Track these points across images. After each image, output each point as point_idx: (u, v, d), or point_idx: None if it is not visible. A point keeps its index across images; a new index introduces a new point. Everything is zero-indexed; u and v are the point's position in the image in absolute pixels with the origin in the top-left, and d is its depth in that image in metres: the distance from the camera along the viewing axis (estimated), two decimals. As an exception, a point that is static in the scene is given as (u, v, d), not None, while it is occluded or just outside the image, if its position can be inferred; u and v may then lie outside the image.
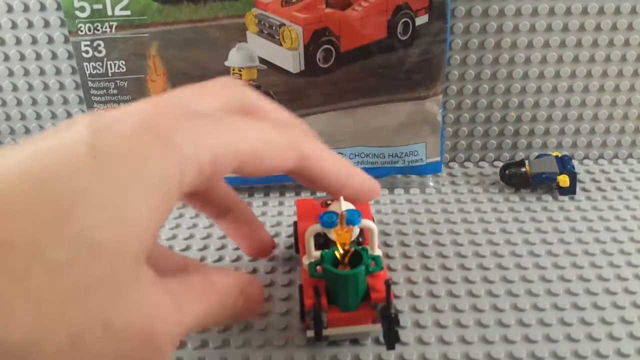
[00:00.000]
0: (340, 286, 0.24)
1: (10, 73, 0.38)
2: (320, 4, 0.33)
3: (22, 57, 0.38)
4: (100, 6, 0.33)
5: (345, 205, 0.25)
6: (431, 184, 0.38)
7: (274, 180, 0.37)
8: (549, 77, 0.39)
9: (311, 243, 0.26)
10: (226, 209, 0.27)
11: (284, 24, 0.33)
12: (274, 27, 0.34)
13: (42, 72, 0.38)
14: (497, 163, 0.41)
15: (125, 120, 0.17)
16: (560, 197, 0.36)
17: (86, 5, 0.33)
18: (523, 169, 0.37)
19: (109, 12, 0.33)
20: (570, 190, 0.36)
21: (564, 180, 0.36)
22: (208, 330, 0.27)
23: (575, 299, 0.29)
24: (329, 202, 0.30)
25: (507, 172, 0.37)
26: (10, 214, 0.15)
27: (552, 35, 0.37)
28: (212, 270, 0.24)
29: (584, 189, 0.37)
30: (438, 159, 0.37)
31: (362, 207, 0.27)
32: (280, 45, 0.34)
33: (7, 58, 0.38)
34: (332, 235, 0.25)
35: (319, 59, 0.34)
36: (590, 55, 0.38)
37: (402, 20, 0.34)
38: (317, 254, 0.25)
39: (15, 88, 0.39)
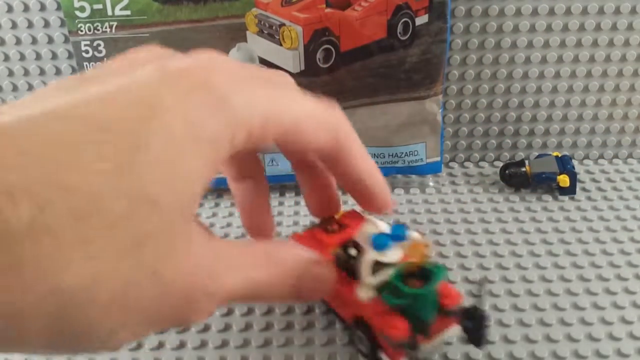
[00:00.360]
0: (424, 303, 0.22)
1: (10, 73, 0.38)
2: (320, 4, 0.33)
3: (22, 57, 0.38)
4: (100, 6, 0.33)
5: (380, 225, 0.23)
6: (431, 184, 0.38)
7: (273, 180, 0.37)
8: (549, 77, 0.39)
9: (369, 271, 0.23)
10: (248, 174, 0.26)
11: (284, 24, 0.33)
12: (274, 27, 0.34)
13: (42, 72, 0.38)
14: (497, 163, 0.41)
15: (186, 75, 0.18)
16: (560, 197, 0.36)
17: (86, 5, 0.33)
18: (523, 169, 0.37)
19: (109, 12, 0.33)
20: (570, 190, 0.36)
21: (564, 180, 0.36)
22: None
23: (575, 299, 0.29)
24: (330, 227, 0.26)
25: (507, 172, 0.37)
26: (73, 162, 0.15)
27: (552, 35, 0.37)
28: (278, 242, 0.23)
29: (584, 189, 0.37)
30: (438, 159, 0.37)
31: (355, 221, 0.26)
32: (280, 45, 0.34)
33: (7, 58, 0.38)
34: (383, 258, 0.22)
35: (319, 59, 0.34)
36: (590, 55, 0.38)
37: (402, 20, 0.34)
38: (373, 280, 0.23)
39: (15, 88, 0.39)
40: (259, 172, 0.26)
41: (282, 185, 0.38)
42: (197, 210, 0.33)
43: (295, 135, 0.20)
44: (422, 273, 0.22)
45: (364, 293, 0.23)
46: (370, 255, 0.22)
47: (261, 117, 0.19)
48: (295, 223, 0.35)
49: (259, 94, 0.19)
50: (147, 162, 0.16)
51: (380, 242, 0.22)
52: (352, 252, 0.24)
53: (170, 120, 0.16)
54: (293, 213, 0.36)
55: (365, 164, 0.23)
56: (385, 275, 0.23)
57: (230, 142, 0.18)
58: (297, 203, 0.37)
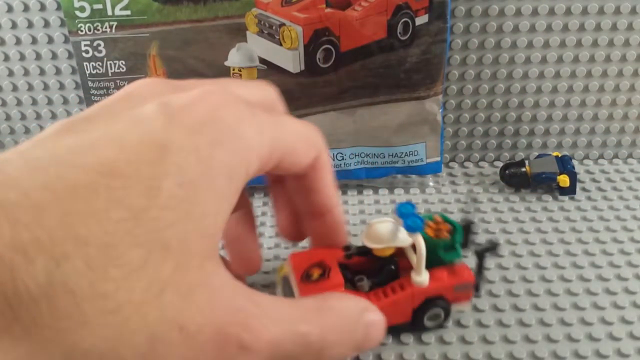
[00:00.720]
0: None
1: (10, 73, 0.38)
2: (320, 4, 0.33)
3: (22, 57, 0.38)
4: (100, 6, 0.33)
5: (394, 218, 0.25)
6: (431, 184, 0.38)
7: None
8: (549, 77, 0.39)
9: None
10: (238, 206, 0.26)
11: (284, 24, 0.33)
12: (274, 27, 0.34)
13: (42, 72, 0.38)
14: (497, 163, 0.41)
15: (192, 112, 0.17)
16: (560, 197, 0.36)
17: (86, 5, 0.33)
18: (523, 169, 0.37)
19: (109, 12, 0.33)
20: (570, 190, 0.36)
21: (564, 180, 0.36)
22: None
23: (575, 299, 0.29)
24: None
25: (507, 172, 0.37)
26: (87, 211, 0.14)
27: (552, 35, 0.37)
28: (327, 295, 0.22)
29: (584, 189, 0.37)
30: (438, 159, 0.37)
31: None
32: (280, 45, 0.34)
33: (7, 58, 0.38)
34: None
35: (319, 59, 0.34)
36: (590, 55, 0.38)
37: (402, 20, 0.34)
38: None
39: (15, 88, 0.39)
40: (247, 203, 0.26)
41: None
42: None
43: (291, 157, 0.20)
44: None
45: (423, 277, 0.25)
46: (422, 244, 0.24)
47: (269, 144, 0.19)
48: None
49: (262, 121, 0.19)
50: (161, 206, 0.15)
51: (412, 224, 0.24)
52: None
53: (183, 160, 0.16)
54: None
55: (333, 186, 0.23)
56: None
57: (246, 173, 0.18)
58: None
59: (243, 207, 0.25)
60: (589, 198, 0.36)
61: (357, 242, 0.29)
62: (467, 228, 0.27)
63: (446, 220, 0.27)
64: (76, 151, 0.15)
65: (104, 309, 0.14)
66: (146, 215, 0.15)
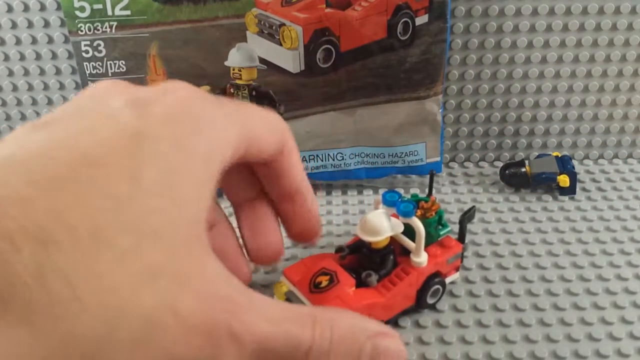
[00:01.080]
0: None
1: (10, 73, 0.38)
2: (320, 4, 0.33)
3: (22, 57, 0.38)
4: (100, 6, 0.33)
5: (381, 209, 0.26)
6: (431, 184, 0.38)
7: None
8: (549, 77, 0.39)
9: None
10: (213, 222, 0.25)
11: (284, 24, 0.33)
12: (274, 27, 0.34)
13: (42, 72, 0.38)
14: (497, 163, 0.41)
15: (162, 103, 0.17)
16: (560, 197, 0.36)
17: (86, 5, 0.33)
18: (523, 169, 0.37)
19: (109, 12, 0.33)
20: (570, 190, 0.36)
21: (564, 180, 0.36)
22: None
23: (575, 299, 0.29)
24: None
25: (507, 172, 0.37)
26: (72, 201, 0.14)
27: (552, 35, 0.37)
28: (328, 307, 0.21)
29: (584, 189, 0.37)
30: (438, 159, 0.37)
31: None
32: (280, 45, 0.34)
33: (7, 58, 0.38)
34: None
35: (319, 59, 0.34)
36: (590, 55, 0.38)
37: (402, 20, 0.34)
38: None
39: (15, 88, 0.39)
40: (223, 218, 0.25)
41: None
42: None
43: (259, 141, 0.20)
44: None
45: (423, 257, 0.26)
46: (421, 227, 0.26)
47: (238, 131, 0.19)
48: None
49: (230, 110, 0.19)
50: (144, 193, 0.15)
51: (405, 208, 0.25)
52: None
53: (161, 148, 0.16)
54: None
55: (301, 168, 0.24)
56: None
57: (222, 161, 0.18)
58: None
59: (220, 221, 0.25)
60: (589, 198, 0.36)
61: (345, 240, 0.29)
62: (462, 223, 0.29)
63: (419, 199, 0.29)
64: (53, 145, 0.15)
65: (100, 288, 0.14)
66: (131, 202, 0.15)
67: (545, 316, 0.28)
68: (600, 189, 0.37)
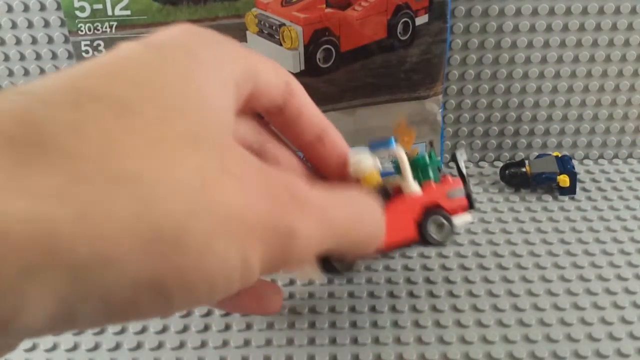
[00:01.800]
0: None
1: (10, 73, 0.38)
2: (320, 4, 0.33)
3: (22, 57, 0.38)
4: (100, 6, 0.33)
5: (363, 150, 0.26)
6: (431, 184, 0.38)
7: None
8: (549, 77, 0.39)
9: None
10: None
11: (284, 24, 0.33)
12: (274, 27, 0.34)
13: (42, 72, 0.38)
14: (497, 163, 0.41)
15: (169, 37, 0.18)
16: (560, 197, 0.36)
17: (86, 5, 0.33)
18: (523, 169, 0.37)
19: (109, 12, 0.33)
20: (570, 190, 0.36)
21: (564, 180, 0.36)
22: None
23: (575, 299, 0.29)
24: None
25: (507, 172, 0.37)
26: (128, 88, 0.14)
27: (552, 35, 0.37)
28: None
29: (584, 189, 0.37)
30: (438, 159, 0.37)
31: None
32: (280, 45, 0.34)
33: (7, 58, 0.38)
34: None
35: (319, 59, 0.34)
36: (590, 55, 0.38)
37: (402, 20, 0.34)
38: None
39: (15, 88, 0.39)
40: (273, 140, 0.25)
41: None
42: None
43: (263, 90, 0.20)
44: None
45: (414, 185, 0.28)
46: (403, 155, 0.27)
47: (243, 69, 0.19)
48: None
49: (232, 51, 0.19)
50: (174, 97, 0.15)
51: (385, 140, 0.27)
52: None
53: (178, 56, 0.17)
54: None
55: (318, 111, 0.23)
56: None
57: (236, 84, 0.18)
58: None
59: (268, 140, 0.24)
60: (589, 198, 0.36)
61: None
62: (454, 157, 0.30)
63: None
64: (87, 63, 0.16)
65: (148, 140, 0.13)
66: (164, 107, 0.15)
67: (545, 316, 0.28)
68: (600, 189, 0.37)
